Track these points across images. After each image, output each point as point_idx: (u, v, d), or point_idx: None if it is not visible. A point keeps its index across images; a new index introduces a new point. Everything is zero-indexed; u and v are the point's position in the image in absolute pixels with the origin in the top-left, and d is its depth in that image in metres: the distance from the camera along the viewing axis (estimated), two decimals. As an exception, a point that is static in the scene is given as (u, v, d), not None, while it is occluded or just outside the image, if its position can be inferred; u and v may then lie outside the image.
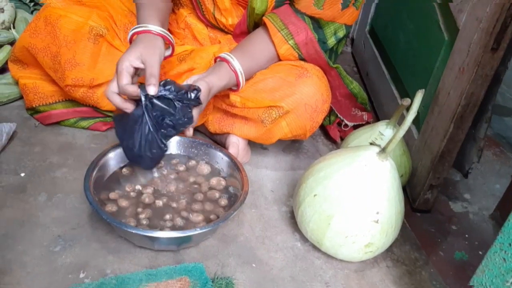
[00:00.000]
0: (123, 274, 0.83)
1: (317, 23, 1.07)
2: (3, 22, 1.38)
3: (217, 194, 0.96)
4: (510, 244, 0.61)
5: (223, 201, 0.95)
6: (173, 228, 0.88)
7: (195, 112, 0.93)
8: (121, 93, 0.88)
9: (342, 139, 1.27)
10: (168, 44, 0.99)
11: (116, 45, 1.11)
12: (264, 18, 1.06)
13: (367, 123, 1.27)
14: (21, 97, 1.22)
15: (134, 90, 0.87)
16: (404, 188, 1.13)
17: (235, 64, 1.01)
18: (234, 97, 1.06)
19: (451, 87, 0.99)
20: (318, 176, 0.90)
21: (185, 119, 0.91)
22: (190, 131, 0.94)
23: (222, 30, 1.18)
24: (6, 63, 1.25)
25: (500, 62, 0.91)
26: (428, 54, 1.13)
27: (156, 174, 0.99)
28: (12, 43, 1.36)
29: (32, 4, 1.52)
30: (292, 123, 1.05)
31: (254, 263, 0.91)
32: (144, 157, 0.93)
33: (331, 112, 1.24)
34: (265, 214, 1.03)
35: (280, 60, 1.11)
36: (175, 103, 0.89)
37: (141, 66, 0.89)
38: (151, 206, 0.92)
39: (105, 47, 1.11)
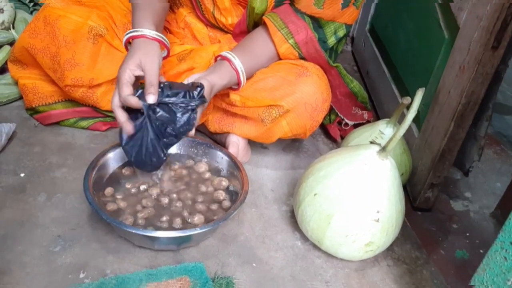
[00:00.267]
0: (123, 274, 0.82)
1: (317, 23, 1.06)
2: (2, 23, 1.38)
3: (218, 195, 0.96)
4: (511, 243, 0.61)
5: (225, 202, 0.95)
6: (173, 228, 0.88)
7: (199, 110, 0.92)
8: (122, 103, 0.88)
9: (342, 138, 1.26)
10: (164, 47, 0.98)
11: (116, 45, 1.11)
12: (264, 17, 1.06)
13: (368, 122, 1.26)
14: (20, 97, 1.22)
15: (135, 101, 0.87)
16: (405, 187, 1.12)
17: (236, 63, 1.01)
18: (234, 96, 1.05)
19: (451, 85, 0.98)
20: (318, 175, 0.89)
21: (186, 126, 0.90)
22: (192, 131, 0.94)
23: (222, 29, 1.18)
24: (6, 63, 1.25)
25: (500, 61, 0.91)
26: (429, 53, 1.13)
27: (156, 174, 0.99)
28: (11, 43, 1.36)
29: (31, 4, 1.52)
30: (292, 122, 1.04)
31: (254, 263, 0.90)
32: (145, 163, 0.93)
33: (331, 111, 1.24)
34: (265, 213, 1.03)
35: (280, 59, 1.11)
36: (176, 109, 0.89)
37: (142, 74, 0.89)
38: (151, 206, 0.92)
39: (105, 47, 1.11)
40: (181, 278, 0.81)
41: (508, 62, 0.95)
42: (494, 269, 0.63)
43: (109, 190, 0.93)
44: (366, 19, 1.65)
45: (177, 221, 0.89)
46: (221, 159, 1.04)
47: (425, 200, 1.09)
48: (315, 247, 0.95)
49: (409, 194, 1.13)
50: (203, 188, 0.97)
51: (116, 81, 0.89)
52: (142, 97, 0.88)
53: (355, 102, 1.25)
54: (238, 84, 1.03)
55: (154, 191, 0.94)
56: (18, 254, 0.84)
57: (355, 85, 1.21)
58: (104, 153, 0.97)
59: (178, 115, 0.89)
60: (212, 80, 0.95)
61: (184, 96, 0.89)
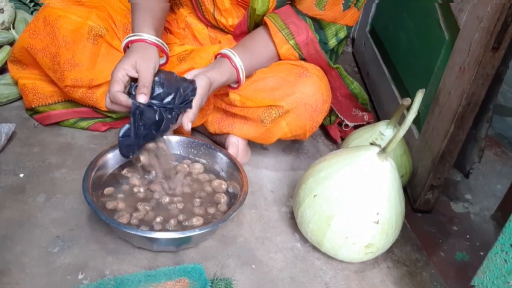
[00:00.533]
0: (122, 275, 0.82)
1: (319, 24, 1.06)
2: (2, 23, 1.38)
3: (218, 197, 0.96)
4: (511, 245, 0.60)
5: (223, 206, 0.94)
6: (171, 229, 0.88)
7: (194, 106, 0.91)
8: (111, 99, 0.88)
9: (342, 139, 1.26)
10: (163, 53, 0.98)
11: (115, 45, 1.11)
12: (265, 17, 1.06)
13: (368, 123, 1.26)
14: (20, 98, 1.21)
15: (125, 99, 0.86)
16: (405, 189, 1.12)
17: (236, 61, 1.00)
18: (233, 96, 1.05)
19: (451, 86, 0.98)
20: (318, 176, 0.89)
21: (166, 129, 0.91)
22: (188, 126, 0.93)
23: (222, 30, 1.18)
24: (6, 63, 1.24)
25: (501, 62, 0.91)
26: (429, 54, 1.13)
27: (156, 175, 0.98)
28: (11, 43, 1.36)
29: (32, 4, 1.52)
30: (292, 123, 1.04)
31: (254, 264, 0.90)
32: (120, 147, 0.91)
33: (331, 112, 1.24)
34: (265, 214, 1.02)
35: (280, 59, 1.10)
36: (162, 112, 0.89)
37: (136, 75, 0.89)
38: (149, 207, 0.91)
39: (104, 48, 1.11)
40: (180, 280, 0.81)
41: (508, 64, 0.94)
42: (494, 272, 0.63)
43: (108, 190, 0.93)
44: (366, 20, 1.65)
45: (175, 223, 0.89)
46: (220, 160, 1.03)
47: (425, 202, 1.09)
48: (315, 248, 0.95)
49: (409, 195, 1.13)
50: (203, 191, 0.97)
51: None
52: (132, 95, 0.87)
53: (356, 103, 1.25)
54: (238, 82, 1.03)
55: (154, 193, 0.94)
56: (17, 255, 0.84)
57: (356, 86, 1.21)
58: (103, 153, 0.96)
59: (162, 118, 0.89)
60: (212, 77, 0.95)
61: (173, 98, 0.89)
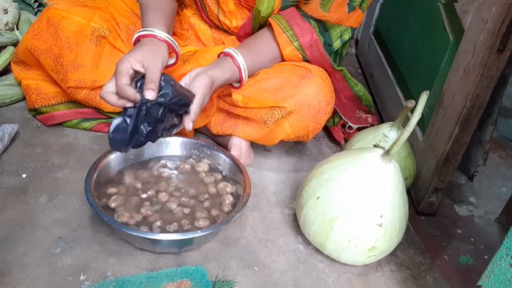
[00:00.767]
0: (124, 276, 0.82)
1: (323, 26, 1.06)
2: (6, 23, 1.38)
3: (223, 198, 0.95)
4: (516, 249, 0.60)
5: (227, 208, 0.94)
6: (174, 231, 0.88)
7: (196, 105, 0.91)
8: (118, 93, 0.87)
9: (346, 140, 1.26)
10: (172, 52, 0.97)
11: (118, 46, 1.11)
12: (269, 19, 1.06)
13: (372, 125, 1.25)
14: (23, 98, 1.22)
15: (132, 93, 0.85)
16: (408, 191, 1.11)
17: (239, 60, 1.00)
18: (236, 96, 1.05)
19: (456, 88, 0.98)
20: (321, 178, 0.89)
21: (167, 131, 0.91)
22: (189, 126, 0.92)
23: (226, 31, 1.18)
24: (9, 64, 1.25)
25: (506, 64, 0.90)
26: (433, 56, 1.12)
27: (159, 176, 0.98)
28: (15, 44, 1.36)
29: (36, 5, 1.52)
30: (295, 124, 1.04)
31: (256, 266, 0.90)
32: (111, 142, 0.90)
33: (335, 113, 1.23)
34: (268, 216, 1.02)
35: (283, 60, 1.10)
36: (167, 112, 0.88)
37: (142, 70, 0.87)
38: (152, 208, 0.91)
39: (107, 49, 1.11)
40: (182, 281, 0.81)
41: (514, 66, 0.94)
42: (499, 276, 0.62)
43: (110, 191, 0.93)
44: (370, 21, 1.65)
45: (178, 225, 0.89)
46: (223, 162, 1.03)
47: (429, 205, 1.08)
48: (318, 251, 0.94)
49: (413, 198, 1.12)
50: (206, 193, 0.97)
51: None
52: (140, 90, 0.86)
53: (359, 105, 1.24)
54: (240, 81, 1.03)
55: (158, 194, 0.94)
56: (19, 256, 0.84)
57: (360, 88, 1.21)
58: (106, 154, 0.96)
59: (165, 117, 0.88)
60: (213, 75, 0.95)
61: (179, 99, 0.88)
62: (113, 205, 0.90)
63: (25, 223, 0.91)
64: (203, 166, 1.02)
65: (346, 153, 0.92)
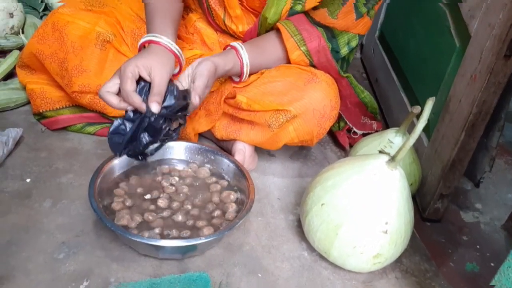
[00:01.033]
0: (127, 282, 0.82)
1: (331, 33, 1.06)
2: (12, 27, 1.39)
3: (227, 206, 0.95)
4: (524, 259, 0.59)
5: (231, 214, 0.93)
6: (176, 238, 0.87)
7: (201, 84, 0.93)
8: (124, 97, 0.87)
9: (351, 145, 1.25)
10: (177, 63, 0.98)
11: (123, 51, 1.11)
12: (278, 23, 1.06)
13: (376, 131, 1.25)
14: (28, 102, 1.22)
15: (139, 101, 0.86)
16: (414, 197, 1.11)
17: (242, 53, 1.01)
18: (240, 97, 1.05)
19: (462, 94, 0.97)
20: (326, 184, 0.88)
21: (165, 138, 0.93)
22: (196, 99, 0.93)
23: (232, 35, 1.18)
24: (14, 68, 1.25)
25: (513, 70, 0.89)
26: (439, 61, 1.11)
27: (163, 183, 0.98)
28: (20, 48, 1.37)
29: (41, 8, 1.53)
30: (300, 128, 1.03)
31: (260, 273, 0.89)
32: (109, 142, 0.92)
33: (340, 118, 1.23)
34: (272, 222, 1.01)
35: (288, 63, 1.10)
36: (166, 121, 0.90)
37: (148, 79, 0.88)
38: (156, 214, 0.91)
39: (112, 53, 1.11)
40: (185, 288, 0.80)
41: (521, 72, 0.93)
42: (506, 286, 0.61)
43: (113, 194, 0.93)
44: (375, 26, 1.64)
45: (179, 231, 0.88)
46: (227, 167, 1.03)
47: (434, 211, 1.07)
48: (322, 258, 0.93)
49: (418, 204, 1.11)
50: (210, 200, 0.96)
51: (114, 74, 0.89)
52: (144, 99, 0.87)
53: (365, 111, 1.24)
54: (241, 75, 1.03)
55: (161, 199, 0.93)
56: (22, 261, 0.84)
57: (366, 95, 1.20)
58: (110, 159, 0.96)
59: (164, 126, 0.90)
60: (216, 62, 0.96)
61: (181, 111, 0.90)
62: (116, 208, 0.89)
63: (29, 227, 0.91)
64: (206, 172, 1.02)
65: (351, 159, 0.91)
